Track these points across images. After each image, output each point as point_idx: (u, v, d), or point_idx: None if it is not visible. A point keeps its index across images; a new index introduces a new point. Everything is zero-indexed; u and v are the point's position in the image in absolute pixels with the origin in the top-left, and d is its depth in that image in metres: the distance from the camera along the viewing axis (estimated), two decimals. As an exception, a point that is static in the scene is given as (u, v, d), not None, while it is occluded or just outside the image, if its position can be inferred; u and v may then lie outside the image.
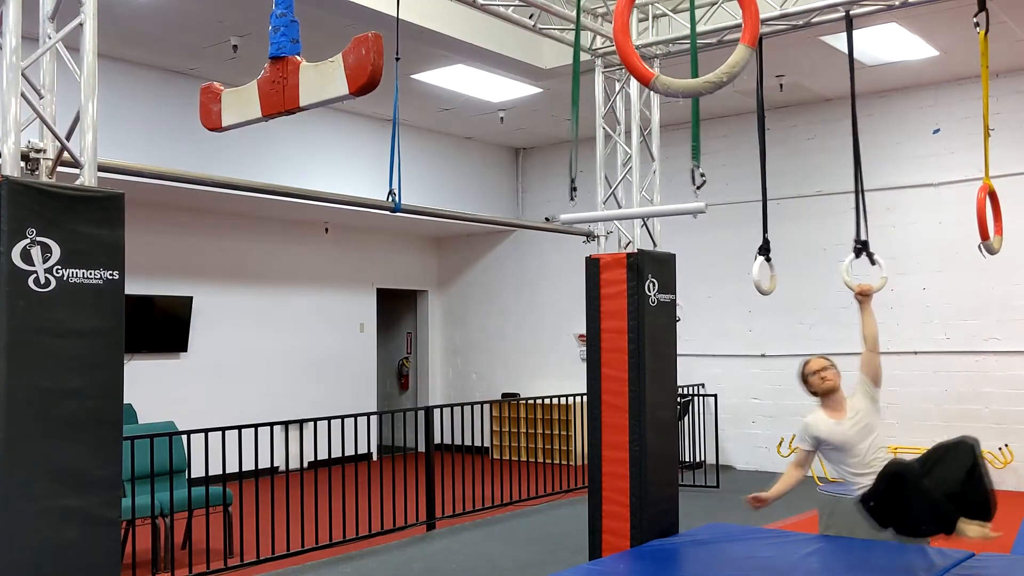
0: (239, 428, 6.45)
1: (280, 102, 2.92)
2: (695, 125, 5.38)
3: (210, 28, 7.77)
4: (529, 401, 10.27)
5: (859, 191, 5.85)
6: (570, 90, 5.28)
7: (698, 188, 5.47)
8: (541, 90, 9.51)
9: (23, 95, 3.45)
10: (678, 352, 6.42)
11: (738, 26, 6.19)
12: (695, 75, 5.10)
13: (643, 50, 6.59)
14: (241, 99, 3.00)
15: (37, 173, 3.60)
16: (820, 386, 5.51)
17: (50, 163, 3.65)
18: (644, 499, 5.90)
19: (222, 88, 3.04)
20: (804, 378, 5.65)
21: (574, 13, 6.58)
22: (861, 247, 5.99)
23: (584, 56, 7.14)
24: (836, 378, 5.54)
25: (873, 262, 6.00)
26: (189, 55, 8.44)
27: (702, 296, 10.67)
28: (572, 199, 6.11)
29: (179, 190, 8.54)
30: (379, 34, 2.83)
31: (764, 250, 6.11)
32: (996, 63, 8.37)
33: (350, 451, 7.42)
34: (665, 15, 6.94)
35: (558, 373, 11.93)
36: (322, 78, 2.83)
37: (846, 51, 8.19)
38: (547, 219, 12.16)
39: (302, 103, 2.94)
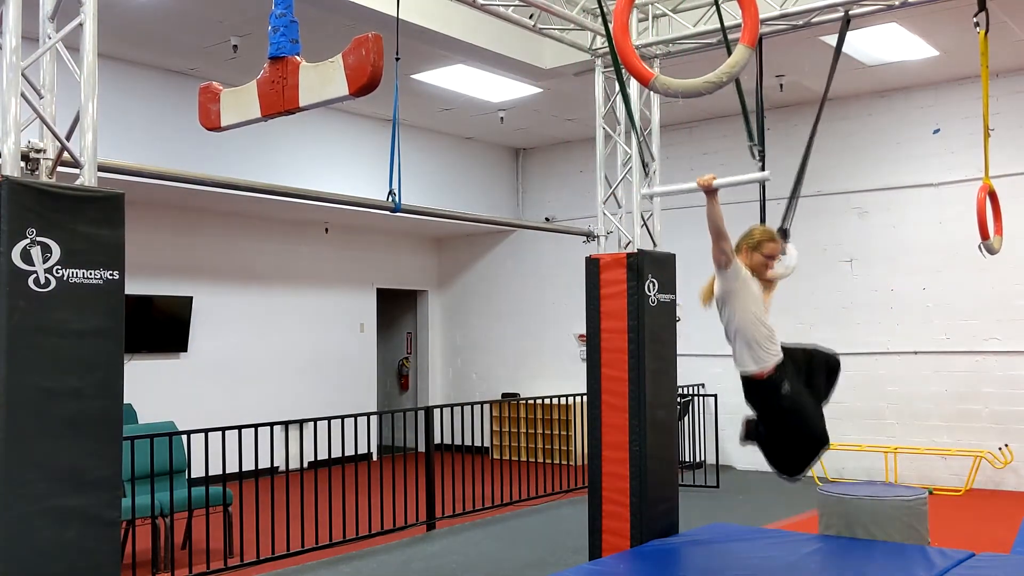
0: (239, 428, 6.45)
1: (280, 102, 2.91)
2: (743, 105, 5.39)
3: (210, 28, 7.77)
4: (529, 401, 10.27)
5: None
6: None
7: (760, 160, 5.48)
8: (541, 90, 9.51)
9: (23, 95, 3.45)
10: (678, 352, 6.42)
11: (738, 26, 6.18)
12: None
13: (643, 50, 6.59)
14: (240, 99, 2.99)
15: (37, 173, 3.60)
16: (764, 266, 5.24)
17: (50, 163, 3.65)
18: (644, 499, 5.90)
19: (221, 88, 3.04)
20: (757, 244, 5.19)
21: (574, 12, 6.58)
22: (782, 233, 5.96)
23: (584, 56, 7.16)
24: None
25: (783, 251, 5.95)
26: (189, 55, 8.44)
27: (702, 296, 10.66)
28: (647, 176, 6.21)
29: (179, 190, 8.54)
30: (379, 35, 2.83)
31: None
32: (996, 63, 8.37)
33: (350, 451, 7.42)
34: (665, 15, 6.94)
35: (558, 373, 11.93)
36: (322, 78, 2.82)
37: (846, 51, 8.21)
38: (547, 219, 12.16)
39: (302, 103, 2.93)
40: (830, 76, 5.60)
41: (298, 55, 2.92)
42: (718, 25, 6.51)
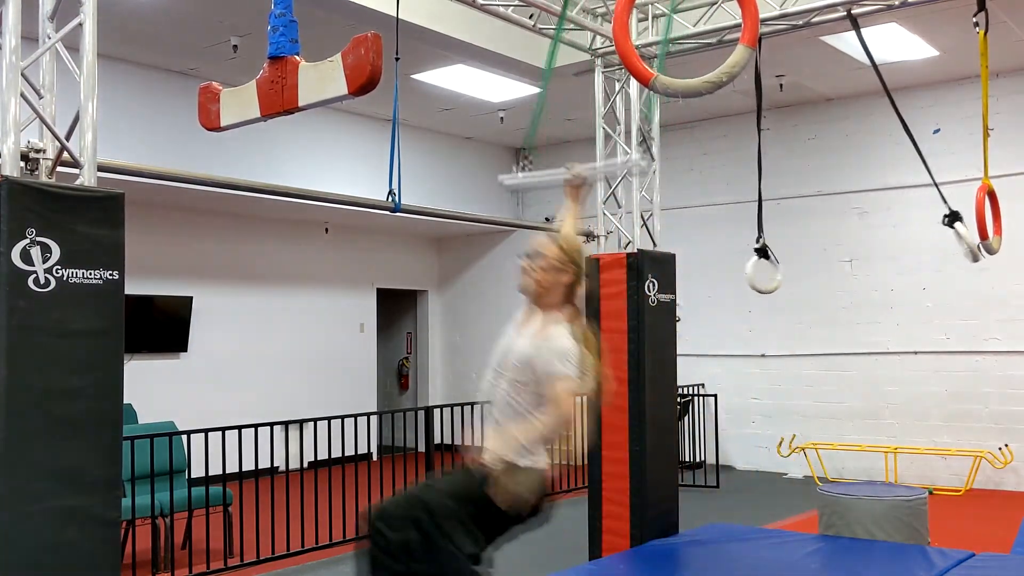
0: (239, 428, 6.45)
1: (279, 102, 2.91)
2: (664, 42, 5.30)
3: (210, 28, 7.77)
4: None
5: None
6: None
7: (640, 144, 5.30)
8: (541, 90, 9.50)
9: (23, 95, 3.45)
10: (678, 352, 6.43)
11: (738, 26, 6.18)
12: (661, 68, 5.09)
13: (643, 50, 6.59)
14: (240, 99, 2.98)
15: (37, 173, 3.60)
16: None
17: (50, 163, 3.64)
18: (644, 499, 5.90)
19: (221, 88, 3.03)
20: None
21: (574, 13, 6.58)
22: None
23: (584, 56, 7.15)
24: (543, 278, 3.50)
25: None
26: (189, 55, 8.44)
27: (702, 296, 10.67)
28: (519, 165, 6.11)
29: (179, 190, 8.53)
30: (378, 34, 2.83)
31: (760, 250, 6.11)
32: (996, 63, 8.36)
33: (350, 451, 7.42)
34: (665, 15, 6.94)
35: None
36: (321, 78, 2.82)
37: (846, 51, 8.22)
38: (547, 219, 12.15)
39: (301, 103, 2.93)
40: (878, 74, 5.57)
41: (298, 55, 2.91)
42: (718, 25, 6.53)
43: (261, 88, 2.92)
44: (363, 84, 2.78)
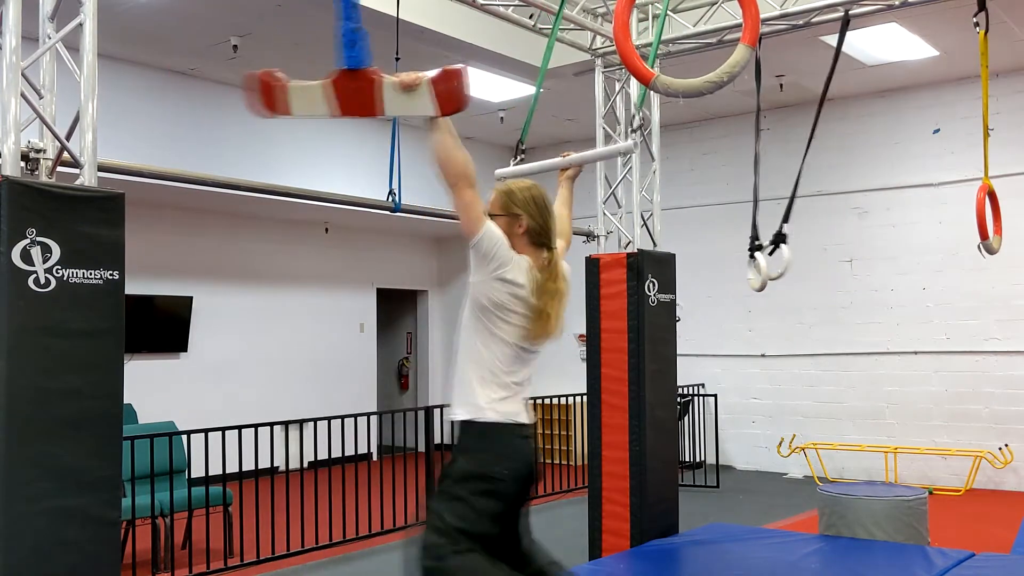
0: (239, 428, 6.45)
1: (361, 107, 2.94)
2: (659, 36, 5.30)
3: (210, 28, 7.77)
4: (529, 401, 10.25)
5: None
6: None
7: (634, 131, 5.27)
8: (541, 90, 9.49)
9: (23, 95, 3.45)
10: (678, 352, 6.42)
11: (738, 26, 6.19)
12: (651, 63, 5.09)
13: (643, 50, 6.59)
14: (309, 95, 2.98)
15: (37, 173, 3.60)
16: None
17: (50, 163, 3.65)
18: (644, 499, 5.90)
19: (287, 80, 3.00)
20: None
21: (574, 12, 6.58)
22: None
23: (584, 56, 7.16)
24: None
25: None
26: (189, 55, 8.44)
27: (702, 296, 10.67)
28: (516, 156, 6.08)
29: (179, 190, 8.53)
30: (465, 68, 2.89)
31: (753, 249, 6.09)
32: (996, 63, 8.37)
33: (350, 451, 7.42)
34: (665, 15, 6.94)
35: (558, 373, 11.92)
36: (409, 97, 2.88)
37: (846, 51, 8.20)
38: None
39: (388, 113, 2.98)
40: (829, 76, 5.58)
41: (368, 66, 2.93)
42: (718, 25, 6.53)
43: (338, 90, 2.94)
44: (455, 111, 2.87)
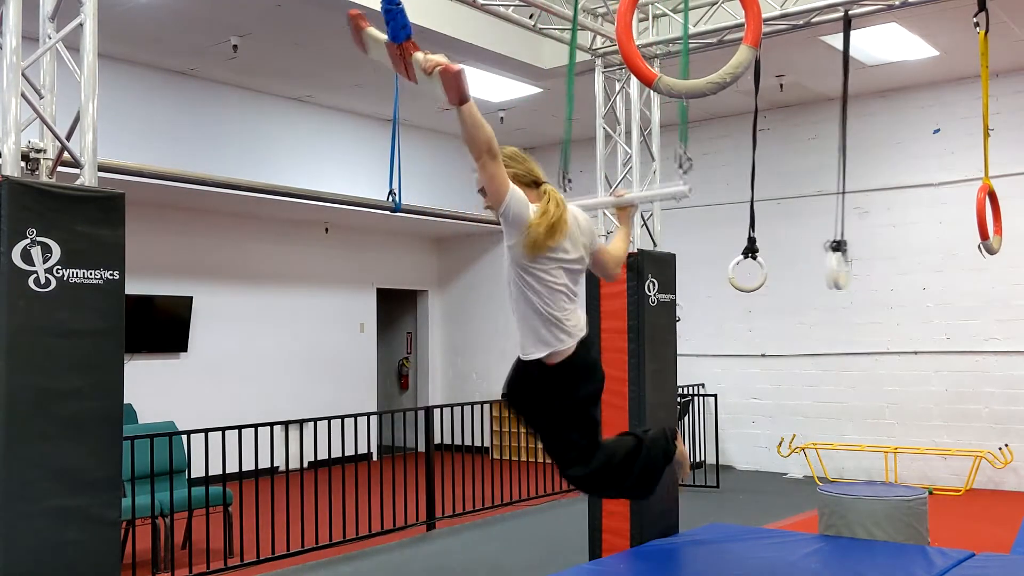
0: (239, 428, 6.45)
1: (403, 70, 3.22)
2: (683, 110, 5.36)
3: (210, 28, 7.77)
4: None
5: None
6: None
7: (685, 172, 5.39)
8: (541, 90, 9.51)
9: (23, 95, 3.45)
10: (678, 352, 6.42)
11: (738, 26, 6.19)
12: (684, 75, 5.10)
13: (643, 50, 6.59)
14: (379, 44, 3.27)
15: (37, 173, 3.60)
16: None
17: (50, 163, 3.65)
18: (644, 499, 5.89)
19: (367, 24, 3.31)
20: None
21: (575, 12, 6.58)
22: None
23: (584, 56, 7.15)
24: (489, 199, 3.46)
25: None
26: (189, 55, 8.44)
27: (702, 296, 10.68)
28: (565, 191, 6.10)
29: (179, 190, 8.53)
30: (460, 72, 3.06)
31: (749, 250, 6.10)
32: (996, 63, 8.37)
33: (350, 451, 7.42)
34: (665, 15, 6.94)
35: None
36: (427, 78, 3.13)
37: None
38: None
39: (418, 83, 3.22)
40: (845, 79, 5.58)
41: (410, 37, 3.19)
42: (718, 25, 6.53)
43: (390, 50, 3.22)
44: (459, 103, 3.12)
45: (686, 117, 5.41)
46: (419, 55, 3.12)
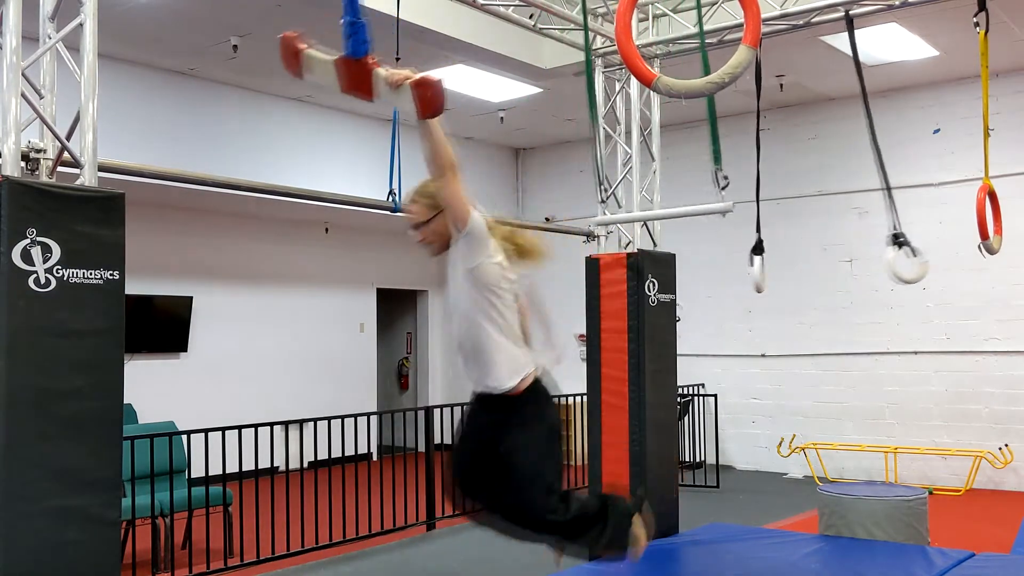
0: (239, 428, 6.45)
1: (360, 88, 3.13)
2: (713, 127, 5.39)
3: (210, 28, 7.77)
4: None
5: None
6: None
7: (723, 189, 5.42)
8: (541, 90, 9.50)
9: (23, 95, 3.45)
10: (678, 352, 6.42)
11: (738, 26, 6.19)
12: (707, 72, 5.11)
13: (643, 50, 6.59)
14: (323, 65, 3.16)
15: (37, 173, 3.61)
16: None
17: (50, 163, 3.65)
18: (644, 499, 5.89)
19: (304, 46, 3.18)
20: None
21: (574, 13, 6.58)
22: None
23: (584, 56, 7.15)
24: (430, 233, 3.36)
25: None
26: (189, 55, 8.44)
27: (702, 296, 10.67)
28: (603, 200, 6.14)
29: (179, 190, 8.53)
30: (439, 83, 3.02)
31: (758, 249, 6.13)
32: (996, 63, 8.36)
33: (350, 451, 7.42)
34: (665, 15, 6.94)
35: (558, 373, 11.91)
36: (395, 93, 3.06)
37: (846, 51, 8.20)
38: (547, 219, 12.15)
39: (377, 100, 3.16)
40: (860, 77, 5.61)
41: (369, 55, 3.09)
42: (718, 25, 6.53)
43: (343, 69, 3.11)
44: (432, 115, 3.06)
45: (717, 136, 5.44)
46: (381, 70, 3.05)
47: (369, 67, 3.07)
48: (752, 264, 5.73)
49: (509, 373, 3.27)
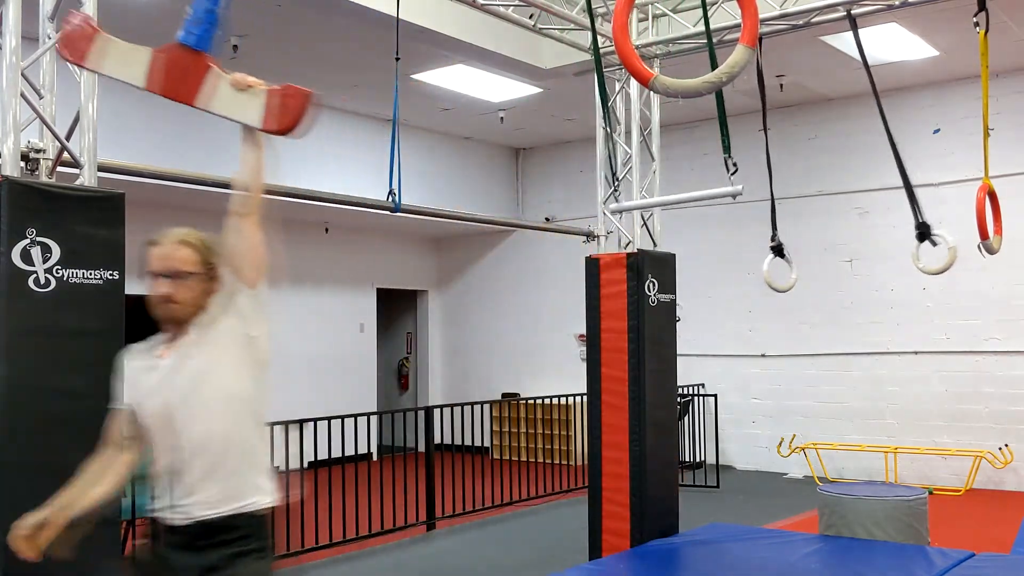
0: (239, 428, 6.44)
1: (174, 89, 2.76)
2: (722, 117, 5.38)
3: (210, 28, 7.76)
4: (529, 401, 10.27)
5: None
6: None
7: (731, 174, 5.41)
8: (541, 90, 9.50)
9: (23, 95, 3.45)
10: (678, 352, 6.42)
11: (738, 26, 6.18)
12: (714, 68, 5.12)
13: (643, 50, 6.59)
14: (124, 55, 2.76)
15: (37, 173, 3.61)
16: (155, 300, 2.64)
17: (50, 163, 3.65)
18: (644, 499, 5.90)
19: (98, 29, 2.76)
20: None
21: (574, 13, 6.58)
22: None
23: (584, 56, 7.16)
24: (188, 292, 2.71)
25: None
26: (189, 55, 8.43)
27: (702, 296, 10.67)
28: (615, 188, 6.14)
29: (179, 190, 8.52)
30: (311, 95, 2.66)
31: (776, 249, 6.18)
32: (996, 63, 8.36)
33: (350, 451, 7.42)
34: (665, 15, 6.94)
35: (558, 373, 11.92)
36: (236, 97, 2.71)
37: (846, 51, 8.23)
38: (547, 219, 12.16)
39: (199, 105, 2.77)
40: (869, 76, 5.62)
41: (208, 52, 2.80)
42: (718, 25, 6.52)
43: (167, 61, 2.75)
44: (280, 130, 2.69)
45: (727, 126, 5.44)
46: (220, 71, 2.71)
47: (205, 64, 2.75)
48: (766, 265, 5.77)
49: (267, 481, 2.76)
